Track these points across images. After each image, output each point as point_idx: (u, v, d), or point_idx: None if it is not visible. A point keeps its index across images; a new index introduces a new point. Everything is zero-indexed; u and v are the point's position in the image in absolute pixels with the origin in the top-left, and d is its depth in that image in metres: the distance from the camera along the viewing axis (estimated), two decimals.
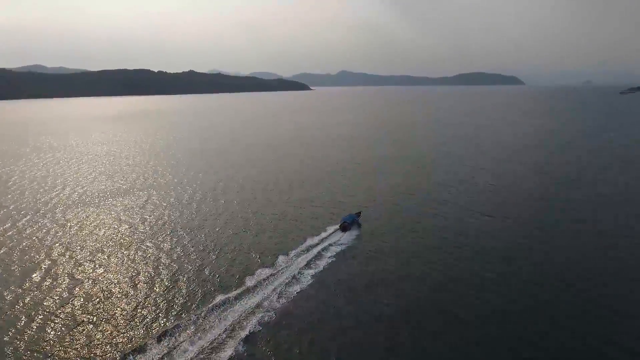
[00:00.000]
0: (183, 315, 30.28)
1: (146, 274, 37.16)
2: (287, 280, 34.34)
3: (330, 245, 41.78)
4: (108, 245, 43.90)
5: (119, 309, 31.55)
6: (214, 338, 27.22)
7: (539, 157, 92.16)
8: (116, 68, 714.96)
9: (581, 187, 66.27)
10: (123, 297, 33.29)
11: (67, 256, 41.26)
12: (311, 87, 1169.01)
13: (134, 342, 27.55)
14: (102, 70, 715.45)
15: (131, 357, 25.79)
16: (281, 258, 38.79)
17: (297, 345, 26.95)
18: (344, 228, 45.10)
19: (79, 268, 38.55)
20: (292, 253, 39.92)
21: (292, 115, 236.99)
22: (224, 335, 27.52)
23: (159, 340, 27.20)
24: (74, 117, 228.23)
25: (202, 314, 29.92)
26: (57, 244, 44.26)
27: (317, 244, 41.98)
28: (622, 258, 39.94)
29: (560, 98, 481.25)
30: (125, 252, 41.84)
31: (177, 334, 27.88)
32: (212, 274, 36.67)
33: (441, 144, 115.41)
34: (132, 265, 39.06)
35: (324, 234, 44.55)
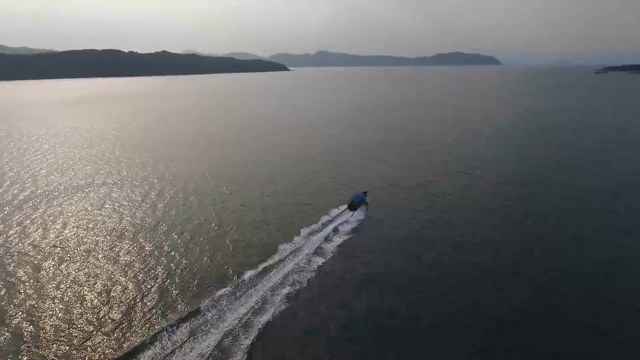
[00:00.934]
0: (219, 289, 31.88)
1: (157, 262, 37.40)
2: (308, 256, 36.51)
3: (342, 223, 43.85)
4: (112, 240, 42.35)
5: (118, 306, 30.89)
6: (247, 310, 29.05)
7: (536, 140, 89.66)
8: (84, 48, 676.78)
9: (568, 168, 66.82)
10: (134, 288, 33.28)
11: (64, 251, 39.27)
12: (290, 68, 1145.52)
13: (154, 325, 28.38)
14: (68, 51, 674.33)
15: (161, 339, 26.49)
16: (298, 237, 40.85)
17: (324, 311, 29.41)
18: (352, 207, 46.83)
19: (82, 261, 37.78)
20: (307, 231, 42.02)
21: (276, 96, 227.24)
22: (256, 306, 29.62)
23: (184, 320, 28.18)
24: (34, 102, 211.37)
25: (234, 289, 31.73)
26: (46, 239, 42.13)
27: (330, 222, 44.27)
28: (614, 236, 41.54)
29: (540, 78, 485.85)
30: (133, 243, 41.35)
31: (213, 306, 29.63)
32: (240, 249, 39.11)
33: (431, 125, 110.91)
34: (140, 255, 38.94)
35: (333, 213, 46.61)
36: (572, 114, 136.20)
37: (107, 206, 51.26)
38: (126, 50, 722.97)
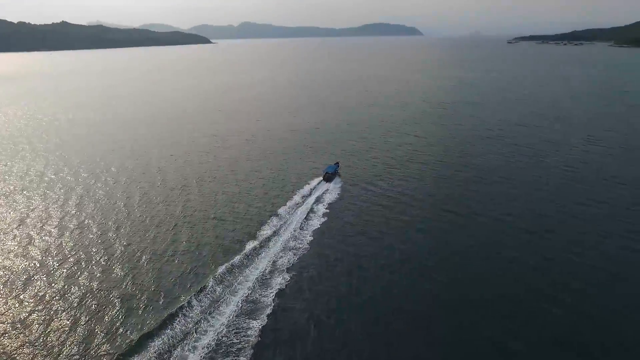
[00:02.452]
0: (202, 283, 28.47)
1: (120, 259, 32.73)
2: (293, 234, 35.01)
3: (322, 194, 43.41)
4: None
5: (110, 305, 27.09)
6: (242, 298, 26.81)
7: (473, 109, 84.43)
8: None
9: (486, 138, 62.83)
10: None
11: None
12: (212, 40, 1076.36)
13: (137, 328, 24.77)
14: None
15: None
16: (282, 209, 39.47)
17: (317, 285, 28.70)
18: (328, 178, 47.12)
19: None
20: (287, 208, 40.04)
21: (209, 71, 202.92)
22: (248, 291, 27.49)
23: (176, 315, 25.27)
24: None
25: (222, 275, 29.13)
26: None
27: (309, 195, 43.49)
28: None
29: (460, 47, 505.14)
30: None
31: (202, 298, 26.85)
32: (223, 233, 36.16)
33: (372, 99, 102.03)
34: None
35: (310, 187, 45.64)
36: (506, 81, 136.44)
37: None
38: (15, 21, 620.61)
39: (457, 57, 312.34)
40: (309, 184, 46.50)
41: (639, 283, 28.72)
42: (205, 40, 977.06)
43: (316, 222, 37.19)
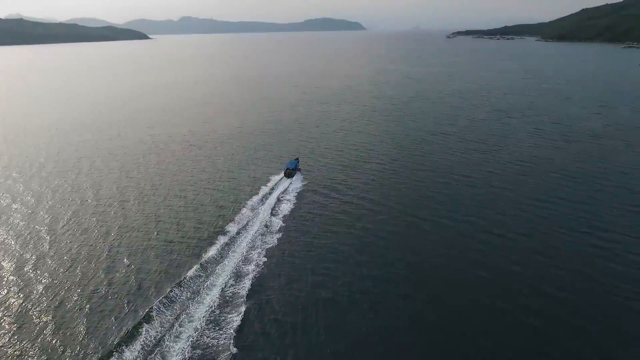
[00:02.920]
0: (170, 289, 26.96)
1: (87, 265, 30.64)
2: (260, 231, 34.55)
3: (283, 192, 42.81)
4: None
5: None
6: (211, 299, 26.02)
7: (420, 102, 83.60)
8: None
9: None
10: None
11: None
12: (150, 36, 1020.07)
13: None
14: None
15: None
16: (245, 208, 38.96)
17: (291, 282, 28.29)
18: (289, 174, 46.78)
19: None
20: (249, 207, 39.13)
21: (154, 69, 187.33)
22: (217, 295, 26.47)
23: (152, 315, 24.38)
24: None
25: (188, 281, 27.78)
26: None
27: (271, 192, 42.87)
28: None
29: (403, 41, 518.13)
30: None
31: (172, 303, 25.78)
32: (191, 232, 35.05)
33: (319, 94, 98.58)
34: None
35: (271, 184, 45.20)
36: (450, 75, 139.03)
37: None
38: None
39: (401, 51, 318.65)
40: (270, 180, 46.37)
41: (599, 278, 28.05)
42: (143, 36, 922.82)
43: (280, 219, 36.93)
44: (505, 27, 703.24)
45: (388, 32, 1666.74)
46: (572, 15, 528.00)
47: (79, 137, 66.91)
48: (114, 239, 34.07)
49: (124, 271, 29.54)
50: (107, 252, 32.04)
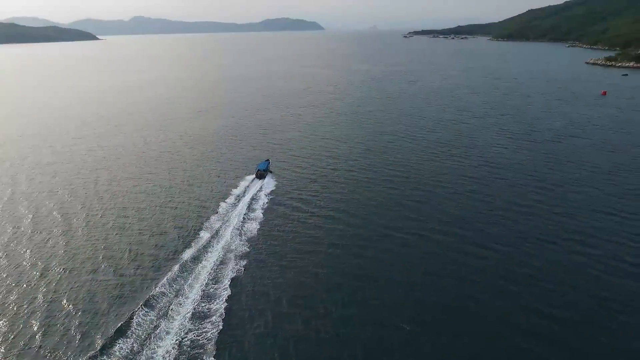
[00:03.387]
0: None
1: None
2: (235, 234, 34.29)
3: (257, 192, 42.92)
4: None
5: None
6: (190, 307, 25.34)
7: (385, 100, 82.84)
8: None
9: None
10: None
11: None
12: (99, 37, 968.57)
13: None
14: None
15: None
16: (220, 209, 38.76)
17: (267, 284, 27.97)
18: (260, 176, 46.73)
19: None
20: (222, 211, 38.56)
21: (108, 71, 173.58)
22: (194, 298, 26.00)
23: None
24: None
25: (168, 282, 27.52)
26: None
27: (244, 194, 42.59)
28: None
29: (362, 41, 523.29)
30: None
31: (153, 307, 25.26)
32: (163, 238, 34.09)
33: (282, 96, 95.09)
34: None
35: (243, 186, 44.94)
36: (412, 74, 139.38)
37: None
38: None
39: (362, 50, 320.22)
40: (242, 182, 46.09)
41: (575, 280, 27.90)
42: (90, 37, 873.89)
43: (255, 220, 36.88)
44: (459, 27, 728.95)
45: (346, 31, 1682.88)
46: (519, 15, 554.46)
47: (24, 147, 59.10)
48: (77, 252, 32.46)
49: (88, 284, 28.36)
50: (73, 263, 30.89)
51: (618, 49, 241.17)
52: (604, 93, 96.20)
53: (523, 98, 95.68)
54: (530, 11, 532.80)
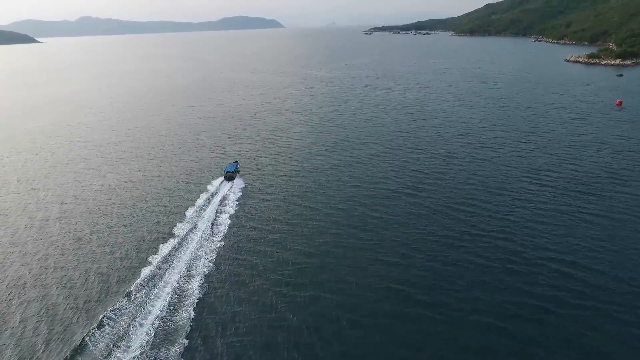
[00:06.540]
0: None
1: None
2: (205, 237, 34.67)
3: (225, 196, 42.89)
4: None
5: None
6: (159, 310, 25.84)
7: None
8: None
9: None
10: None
11: None
12: (39, 39, 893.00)
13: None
14: None
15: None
16: (189, 212, 38.96)
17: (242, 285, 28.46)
18: (229, 178, 47.37)
19: None
20: (191, 213, 38.95)
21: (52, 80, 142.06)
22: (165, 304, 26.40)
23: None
24: None
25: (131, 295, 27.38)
26: None
27: (213, 196, 42.72)
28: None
29: (322, 38, 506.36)
30: None
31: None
32: (126, 249, 33.79)
33: (246, 97, 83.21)
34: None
35: (212, 188, 44.99)
36: (380, 74, 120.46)
37: None
38: None
39: (323, 49, 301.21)
40: (211, 184, 45.81)
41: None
42: (29, 40, 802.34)
43: (224, 223, 36.81)
44: (419, 22, 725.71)
45: (306, 28, 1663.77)
46: (478, 10, 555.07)
47: None
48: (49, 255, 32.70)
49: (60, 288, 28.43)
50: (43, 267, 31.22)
51: (586, 43, 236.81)
52: (620, 103, 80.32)
53: (536, 118, 74.96)
54: (488, 5, 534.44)
